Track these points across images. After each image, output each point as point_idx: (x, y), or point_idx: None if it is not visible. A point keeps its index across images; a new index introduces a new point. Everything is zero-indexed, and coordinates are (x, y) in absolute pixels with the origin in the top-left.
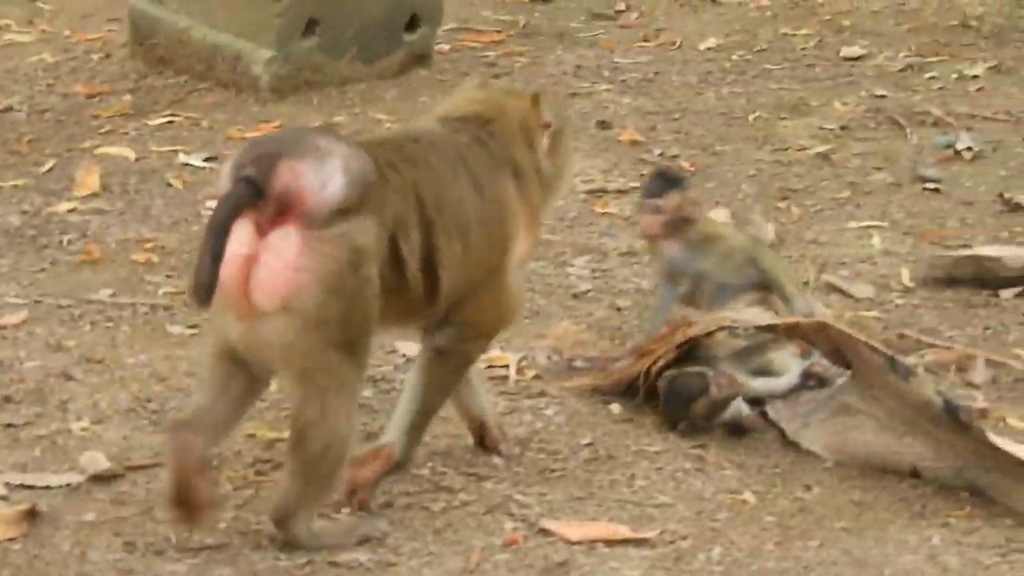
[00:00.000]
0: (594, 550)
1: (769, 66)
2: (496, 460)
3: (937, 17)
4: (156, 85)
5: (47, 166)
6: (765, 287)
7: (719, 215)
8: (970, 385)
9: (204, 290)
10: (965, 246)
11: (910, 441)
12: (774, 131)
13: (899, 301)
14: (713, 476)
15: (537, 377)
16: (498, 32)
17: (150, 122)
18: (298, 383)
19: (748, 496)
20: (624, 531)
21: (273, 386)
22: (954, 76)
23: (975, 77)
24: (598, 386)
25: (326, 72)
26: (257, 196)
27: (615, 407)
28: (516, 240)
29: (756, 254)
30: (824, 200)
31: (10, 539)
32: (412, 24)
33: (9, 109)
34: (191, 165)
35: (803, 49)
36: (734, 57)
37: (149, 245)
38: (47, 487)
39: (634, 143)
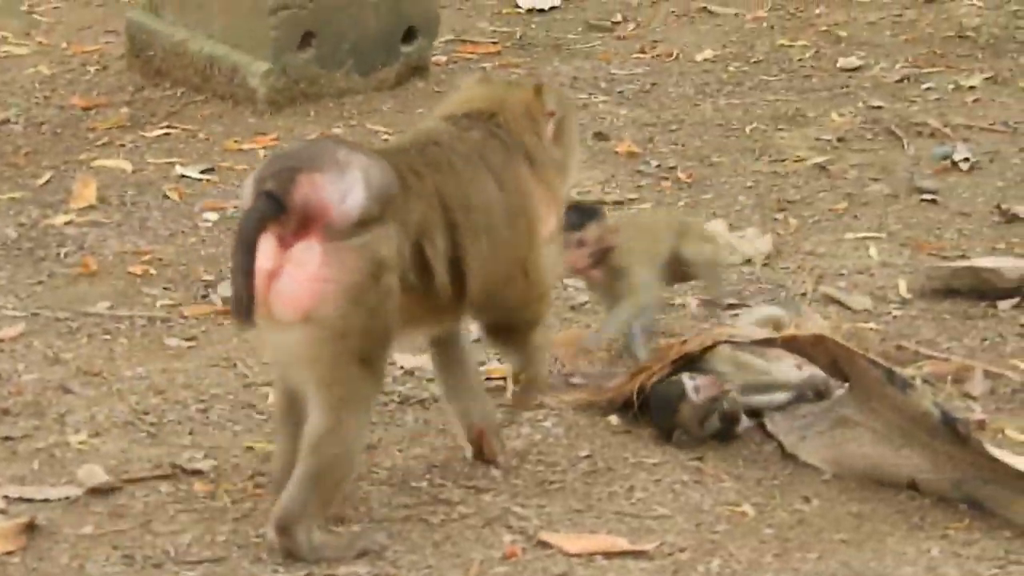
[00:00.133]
0: (593, 562)
1: (766, 77)
2: (495, 472)
3: (934, 28)
4: (153, 97)
5: (44, 178)
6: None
7: (716, 226)
8: (968, 397)
9: (244, 308)
10: (962, 257)
11: (908, 453)
12: (771, 142)
13: (896, 313)
14: (712, 488)
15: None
16: (494, 44)
17: (147, 134)
18: (316, 394)
19: (747, 508)
20: (623, 543)
21: (271, 398)
22: (951, 87)
23: (972, 88)
24: (593, 401)
25: (323, 84)
26: (279, 210)
27: (613, 419)
28: (541, 223)
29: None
30: (821, 211)
31: (8, 552)
32: (409, 36)
33: (6, 121)
34: (188, 177)
35: (800, 60)
36: (731, 68)
37: (146, 257)
38: (45, 500)
39: (631, 154)
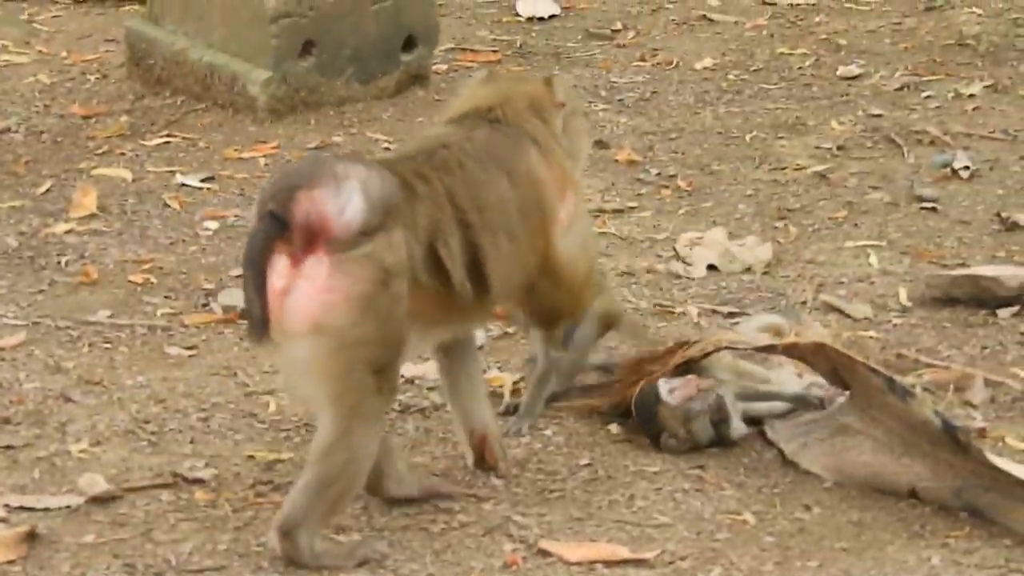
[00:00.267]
0: (593, 571)
1: (766, 86)
2: (495, 481)
3: (933, 36)
4: (153, 106)
5: (44, 187)
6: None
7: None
8: (968, 405)
9: (258, 325)
10: (962, 265)
11: (909, 461)
12: (771, 150)
13: (897, 321)
14: (712, 496)
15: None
16: (494, 52)
17: (147, 143)
18: (327, 403)
19: (748, 516)
20: (623, 552)
21: (272, 406)
22: (951, 95)
23: (972, 96)
24: (595, 407)
25: (323, 92)
26: (282, 229)
27: (613, 427)
28: (559, 209)
29: None
30: (821, 219)
31: (9, 561)
32: (409, 44)
33: (6, 130)
34: (188, 186)
35: (800, 68)
36: (731, 77)
37: (147, 266)
38: (46, 509)
39: (631, 163)
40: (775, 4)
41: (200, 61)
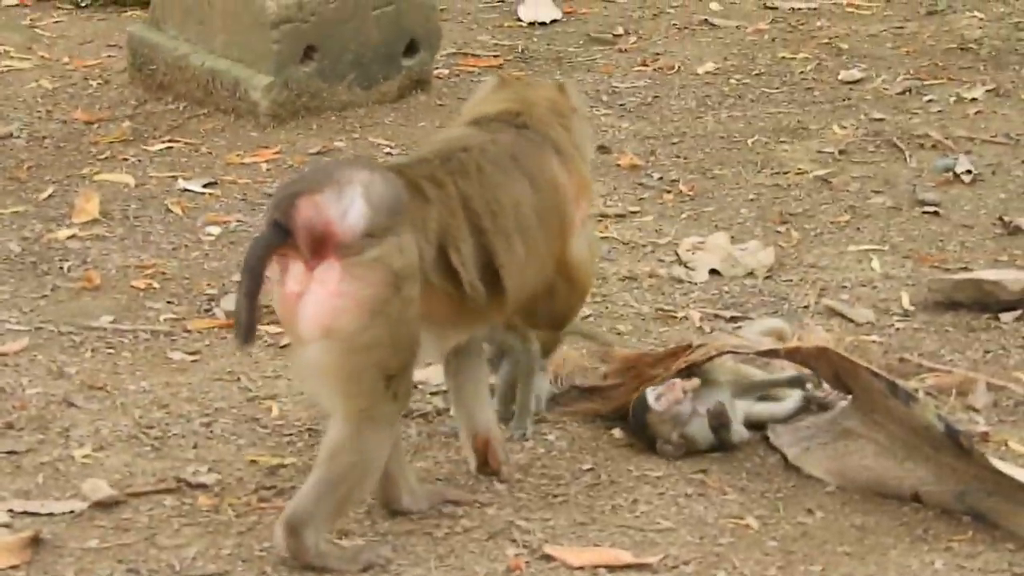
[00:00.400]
0: (596, 575)
1: (768, 90)
2: (498, 486)
3: (935, 40)
4: (155, 111)
5: (47, 193)
6: None
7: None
8: (971, 409)
9: (243, 329)
10: (965, 269)
11: (912, 466)
12: (773, 155)
13: (899, 325)
14: (715, 501)
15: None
16: (496, 57)
17: (149, 148)
18: (339, 405)
19: (750, 521)
20: (627, 556)
21: (274, 411)
22: (952, 99)
23: (974, 100)
24: (599, 411)
25: (325, 98)
26: (285, 237)
27: (616, 432)
28: (576, 214)
29: None
30: (823, 224)
31: (13, 566)
32: (410, 49)
33: (8, 136)
34: (190, 191)
35: (801, 73)
36: (732, 81)
37: (149, 271)
38: (50, 514)
39: (633, 167)
40: (776, 8)
41: (202, 66)
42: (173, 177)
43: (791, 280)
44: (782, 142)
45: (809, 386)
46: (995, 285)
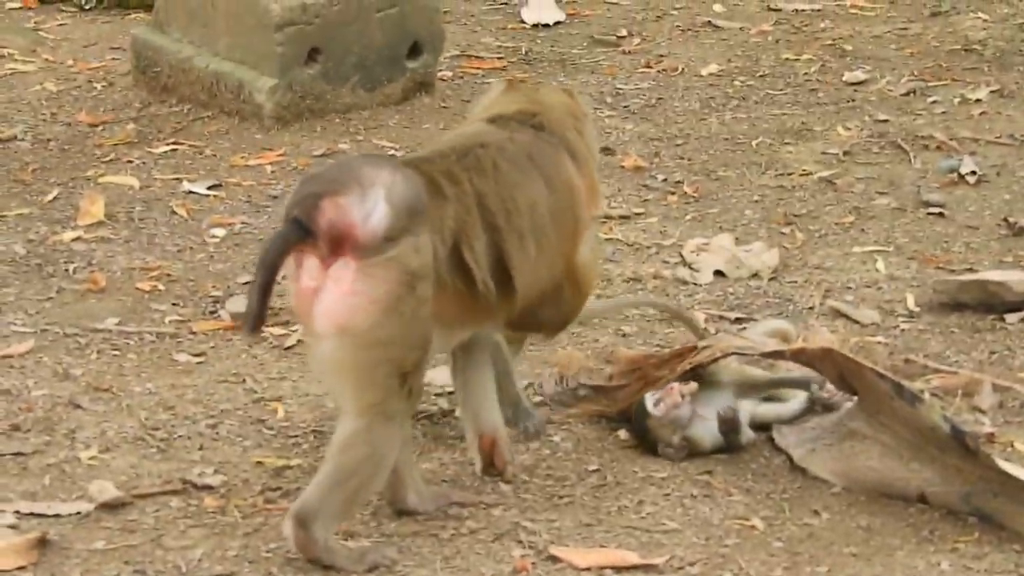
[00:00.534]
0: None
1: (772, 91)
2: (504, 487)
3: (939, 41)
4: (159, 114)
5: (51, 195)
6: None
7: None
8: (977, 410)
9: (252, 319)
10: (970, 270)
11: (917, 466)
12: (777, 156)
13: (904, 326)
14: (721, 502)
15: (542, 403)
16: (500, 59)
17: (154, 150)
18: (351, 400)
19: (756, 522)
20: (632, 557)
21: (280, 413)
22: (957, 100)
23: (978, 101)
24: (604, 412)
25: (329, 100)
26: (305, 235)
27: (622, 433)
28: (586, 218)
29: None
30: (828, 225)
31: (20, 568)
32: (414, 51)
33: (13, 139)
34: (195, 193)
35: (805, 74)
36: (736, 83)
37: (154, 273)
38: (56, 516)
39: (638, 169)
40: (780, 10)
41: (206, 69)
42: (177, 179)
43: (796, 281)
44: (786, 143)
45: (814, 387)
46: (1000, 286)
